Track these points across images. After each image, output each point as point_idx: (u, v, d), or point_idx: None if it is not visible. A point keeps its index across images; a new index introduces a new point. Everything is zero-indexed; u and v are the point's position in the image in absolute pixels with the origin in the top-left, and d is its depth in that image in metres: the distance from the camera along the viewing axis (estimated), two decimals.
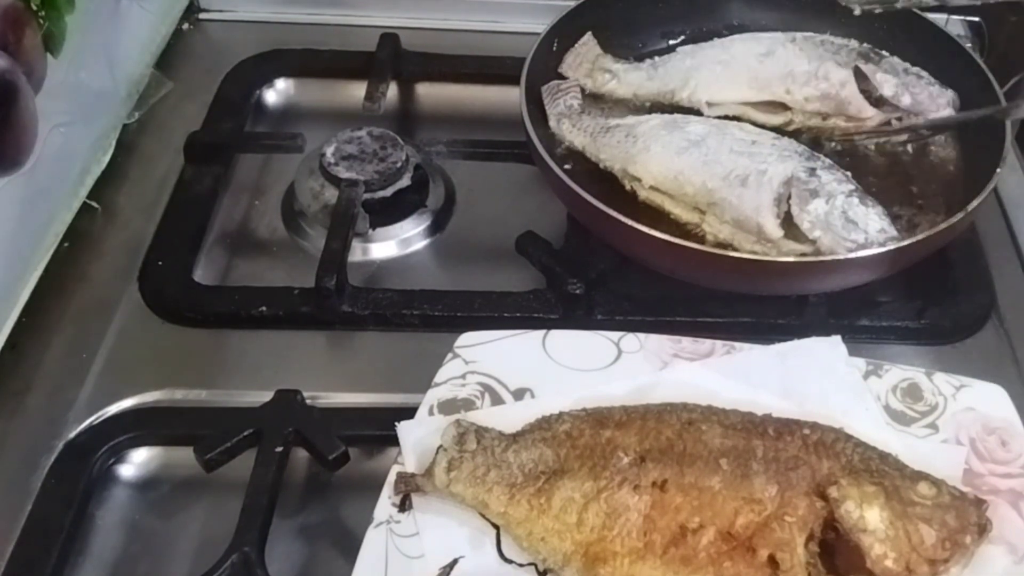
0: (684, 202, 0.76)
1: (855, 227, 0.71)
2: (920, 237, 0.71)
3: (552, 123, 0.83)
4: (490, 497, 0.60)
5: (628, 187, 0.79)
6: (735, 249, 0.73)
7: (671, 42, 0.92)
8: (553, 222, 0.82)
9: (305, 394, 0.69)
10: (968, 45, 0.93)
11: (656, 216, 0.77)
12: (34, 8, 0.67)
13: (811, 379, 0.67)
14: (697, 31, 0.92)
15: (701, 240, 0.75)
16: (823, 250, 0.71)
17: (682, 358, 0.69)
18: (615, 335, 0.70)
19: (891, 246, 0.70)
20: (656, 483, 0.59)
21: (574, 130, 0.82)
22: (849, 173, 0.75)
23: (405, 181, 0.85)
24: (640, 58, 0.90)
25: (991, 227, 0.84)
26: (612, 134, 0.80)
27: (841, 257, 0.70)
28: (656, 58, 0.88)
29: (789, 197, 0.73)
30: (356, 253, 0.82)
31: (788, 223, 0.73)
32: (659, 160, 0.77)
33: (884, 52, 0.85)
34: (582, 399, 0.65)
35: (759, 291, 0.76)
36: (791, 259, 0.71)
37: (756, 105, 0.84)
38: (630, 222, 0.71)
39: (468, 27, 1.04)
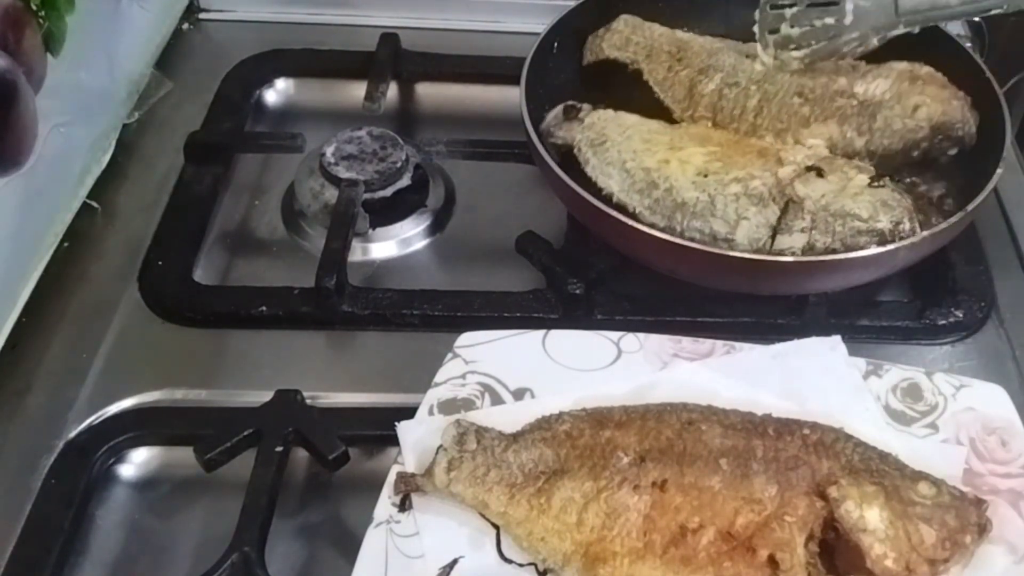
0: None
1: None
2: (920, 237, 0.71)
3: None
4: (490, 497, 0.60)
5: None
6: None
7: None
8: (553, 222, 0.82)
9: (305, 394, 0.69)
10: (968, 45, 0.93)
11: None
12: (34, 8, 0.67)
13: (811, 379, 0.67)
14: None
15: None
16: None
17: (682, 358, 0.69)
18: (615, 335, 0.70)
19: (891, 246, 0.70)
20: (656, 483, 0.59)
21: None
22: None
23: (405, 181, 0.85)
24: None
25: (991, 227, 0.84)
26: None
27: (841, 257, 0.70)
28: None
29: None
30: (356, 253, 0.82)
31: None
32: None
33: None
34: (582, 399, 0.65)
35: (759, 291, 0.76)
36: (791, 259, 0.71)
37: None
38: (630, 222, 0.71)
39: (468, 27, 1.04)
